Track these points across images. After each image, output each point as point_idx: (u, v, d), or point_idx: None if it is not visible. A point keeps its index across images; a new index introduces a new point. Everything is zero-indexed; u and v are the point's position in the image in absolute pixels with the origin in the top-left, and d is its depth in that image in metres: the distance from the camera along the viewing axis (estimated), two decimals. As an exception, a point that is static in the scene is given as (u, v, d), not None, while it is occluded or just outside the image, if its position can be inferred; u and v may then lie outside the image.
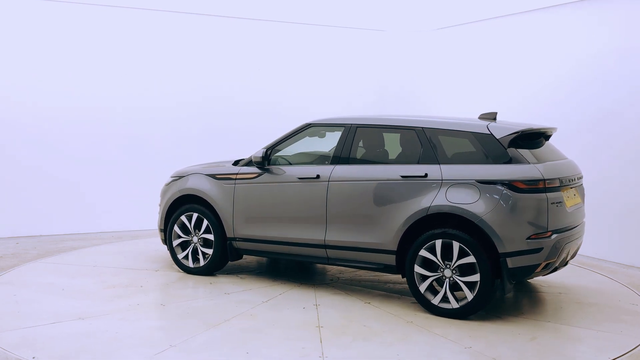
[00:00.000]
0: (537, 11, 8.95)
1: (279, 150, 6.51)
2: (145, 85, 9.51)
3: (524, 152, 5.36)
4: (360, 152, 6.09)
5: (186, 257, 6.81)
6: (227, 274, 6.82)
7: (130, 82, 9.39)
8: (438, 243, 5.40)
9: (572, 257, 5.79)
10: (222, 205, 6.58)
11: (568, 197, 5.49)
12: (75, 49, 9.03)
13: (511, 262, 5.18)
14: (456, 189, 5.38)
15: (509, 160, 5.29)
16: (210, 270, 6.72)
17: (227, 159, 7.80)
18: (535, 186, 5.18)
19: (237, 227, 6.51)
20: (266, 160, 6.42)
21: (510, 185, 5.20)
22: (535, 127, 5.65)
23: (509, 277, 5.24)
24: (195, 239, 6.77)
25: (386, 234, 5.67)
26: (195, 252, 6.77)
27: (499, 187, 5.22)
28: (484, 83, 9.94)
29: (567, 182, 5.50)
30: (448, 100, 10.57)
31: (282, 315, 5.45)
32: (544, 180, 5.21)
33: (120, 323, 5.14)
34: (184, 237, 6.83)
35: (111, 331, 4.94)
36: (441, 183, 5.45)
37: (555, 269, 5.61)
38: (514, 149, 5.34)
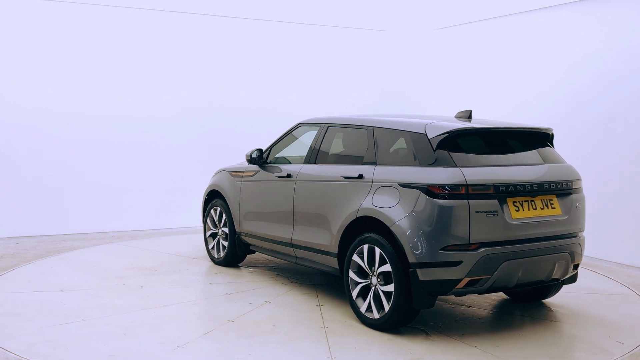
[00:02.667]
0: (537, 11, 8.93)
1: (278, 150, 6.61)
2: (146, 86, 9.50)
3: (459, 155, 4.83)
4: (324, 152, 5.99)
5: (214, 248, 7.31)
6: (233, 270, 6.86)
7: (130, 82, 9.38)
8: (364, 248, 5.11)
9: (567, 274, 5.19)
10: (232, 201, 6.95)
11: (521, 207, 4.84)
12: (75, 49, 9.03)
13: (422, 274, 4.67)
14: (382, 191, 5.06)
15: (434, 162, 4.82)
16: (228, 262, 7.09)
17: (230, 159, 7.90)
18: (455, 192, 4.62)
19: (241, 222, 6.83)
20: (259, 159, 6.58)
21: (427, 189, 4.70)
22: (479, 126, 5.11)
23: (420, 290, 4.71)
24: (219, 232, 7.20)
25: (330, 236, 5.53)
26: (219, 244, 7.22)
27: (416, 191, 4.77)
28: (484, 83, 9.92)
29: (521, 190, 4.83)
30: (448, 101, 10.52)
31: (285, 315, 5.44)
32: (467, 185, 4.62)
33: (119, 324, 5.13)
34: (213, 230, 7.34)
35: (109, 332, 4.93)
36: (371, 185, 5.18)
37: (522, 289, 5.42)
38: (444, 150, 4.82)
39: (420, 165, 4.88)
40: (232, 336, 4.88)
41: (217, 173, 7.42)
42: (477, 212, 4.63)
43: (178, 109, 9.73)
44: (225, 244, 7.08)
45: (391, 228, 4.86)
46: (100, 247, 8.19)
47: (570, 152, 8.28)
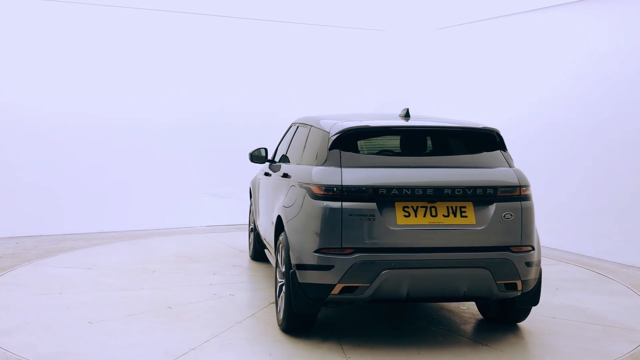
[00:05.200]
0: (538, 11, 8.91)
1: (281, 149, 6.59)
2: (146, 86, 9.48)
3: (351, 155, 4.63)
4: (291, 151, 5.96)
5: (250, 242, 7.68)
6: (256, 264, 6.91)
7: (131, 82, 9.37)
8: (280, 248, 5.05)
9: (493, 294, 4.53)
10: (253, 198, 7.37)
11: (413, 213, 4.43)
12: (75, 50, 9.02)
13: (301, 276, 4.50)
14: (292, 190, 5.02)
15: (324, 162, 4.67)
16: (256, 257, 7.44)
17: (230, 159, 7.91)
18: (329, 192, 4.42)
19: (255, 219, 7.17)
20: (264, 158, 6.60)
21: (310, 189, 4.59)
22: (377, 125, 4.92)
23: (300, 293, 4.53)
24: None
25: (271, 235, 5.59)
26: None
27: (304, 190, 4.69)
28: (484, 83, 9.92)
29: (412, 194, 4.42)
30: (448, 101, 10.56)
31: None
32: (342, 187, 4.40)
33: (118, 326, 5.11)
34: (251, 225, 7.65)
35: (107, 333, 4.91)
36: (289, 184, 5.17)
37: (431, 302, 5.18)
38: (336, 150, 4.65)
39: (317, 164, 4.75)
40: (236, 342, 4.89)
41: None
42: (350, 215, 4.35)
43: (178, 109, 9.71)
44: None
45: (284, 227, 4.85)
46: (100, 247, 8.17)
47: (570, 152, 8.43)
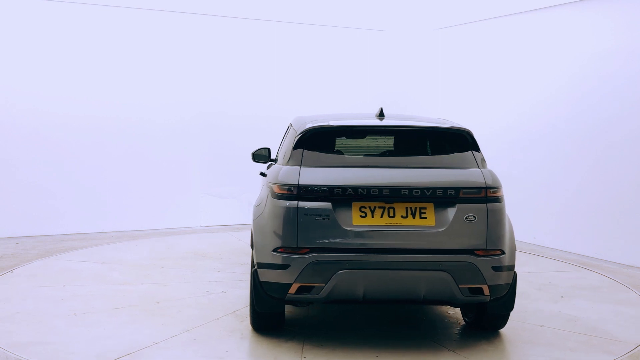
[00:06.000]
0: (539, 11, 8.85)
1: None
2: (147, 86, 9.51)
3: (312, 154, 4.63)
4: (280, 151, 5.95)
5: None
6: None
7: (132, 82, 9.40)
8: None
9: (457, 298, 4.40)
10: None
11: (370, 213, 4.39)
12: (75, 50, 9.07)
13: (261, 275, 4.54)
14: (263, 189, 5.06)
15: (288, 161, 4.70)
16: None
17: (230, 159, 7.88)
18: (286, 192, 4.45)
19: None
20: (267, 158, 6.54)
21: (272, 188, 4.62)
22: (339, 124, 4.85)
23: (261, 292, 4.58)
24: None
25: None
26: None
27: (269, 189, 4.71)
28: (484, 83, 9.88)
29: (369, 194, 4.37)
30: (448, 101, 10.55)
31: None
32: (298, 186, 4.41)
33: (99, 318, 5.23)
34: None
35: (85, 325, 5.04)
36: (263, 183, 5.24)
37: (391, 304, 5.10)
38: (300, 149, 4.67)
39: (283, 164, 4.76)
40: (211, 338, 4.98)
41: None
42: (306, 214, 4.36)
43: (178, 109, 9.73)
44: None
45: (252, 227, 4.90)
46: (100, 247, 8.18)
47: (570, 152, 8.38)
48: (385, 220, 4.38)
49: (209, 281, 6.52)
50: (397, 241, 4.36)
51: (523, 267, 7.28)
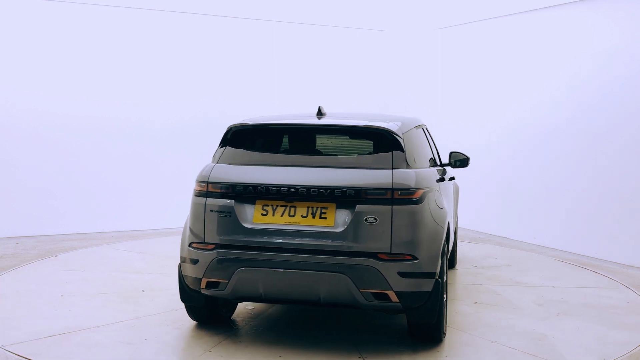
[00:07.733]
0: (539, 11, 8.83)
1: None
2: (147, 86, 9.53)
3: (232, 151, 4.70)
4: None
5: None
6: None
7: (132, 82, 9.43)
8: None
9: (358, 301, 4.26)
10: None
11: (271, 212, 4.38)
12: (75, 50, 9.10)
13: (182, 269, 4.69)
14: None
15: (213, 159, 4.78)
16: None
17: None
18: (199, 188, 4.59)
19: None
20: None
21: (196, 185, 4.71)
22: (253, 122, 4.81)
23: (183, 285, 4.75)
24: None
25: None
26: None
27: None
28: (485, 83, 9.84)
29: (267, 193, 4.36)
30: (448, 101, 10.48)
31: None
32: (208, 183, 4.53)
33: (78, 301, 5.45)
34: None
35: (59, 306, 5.23)
36: None
37: (288, 303, 5.01)
38: (224, 147, 4.76)
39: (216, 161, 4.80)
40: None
41: None
42: (211, 211, 4.46)
43: (178, 110, 9.75)
44: None
45: None
46: (100, 247, 8.19)
47: (570, 152, 8.40)
48: (286, 219, 4.38)
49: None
50: (295, 241, 4.32)
51: (554, 281, 6.69)
